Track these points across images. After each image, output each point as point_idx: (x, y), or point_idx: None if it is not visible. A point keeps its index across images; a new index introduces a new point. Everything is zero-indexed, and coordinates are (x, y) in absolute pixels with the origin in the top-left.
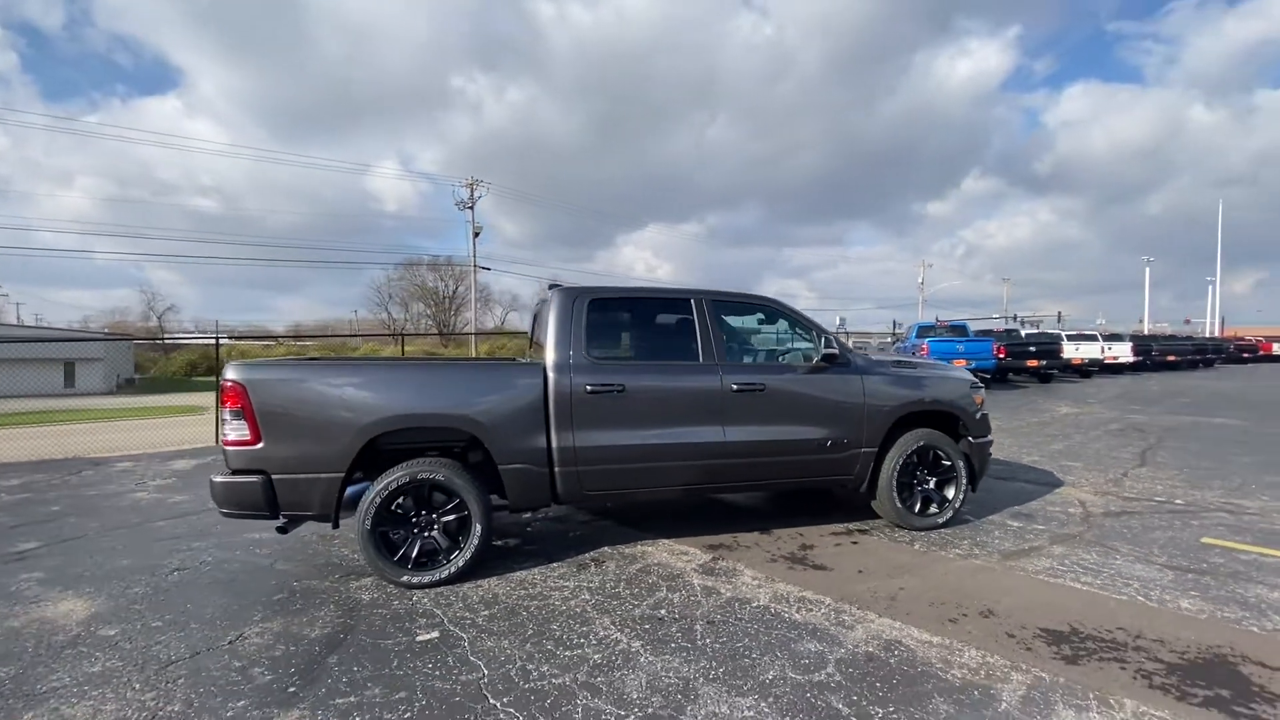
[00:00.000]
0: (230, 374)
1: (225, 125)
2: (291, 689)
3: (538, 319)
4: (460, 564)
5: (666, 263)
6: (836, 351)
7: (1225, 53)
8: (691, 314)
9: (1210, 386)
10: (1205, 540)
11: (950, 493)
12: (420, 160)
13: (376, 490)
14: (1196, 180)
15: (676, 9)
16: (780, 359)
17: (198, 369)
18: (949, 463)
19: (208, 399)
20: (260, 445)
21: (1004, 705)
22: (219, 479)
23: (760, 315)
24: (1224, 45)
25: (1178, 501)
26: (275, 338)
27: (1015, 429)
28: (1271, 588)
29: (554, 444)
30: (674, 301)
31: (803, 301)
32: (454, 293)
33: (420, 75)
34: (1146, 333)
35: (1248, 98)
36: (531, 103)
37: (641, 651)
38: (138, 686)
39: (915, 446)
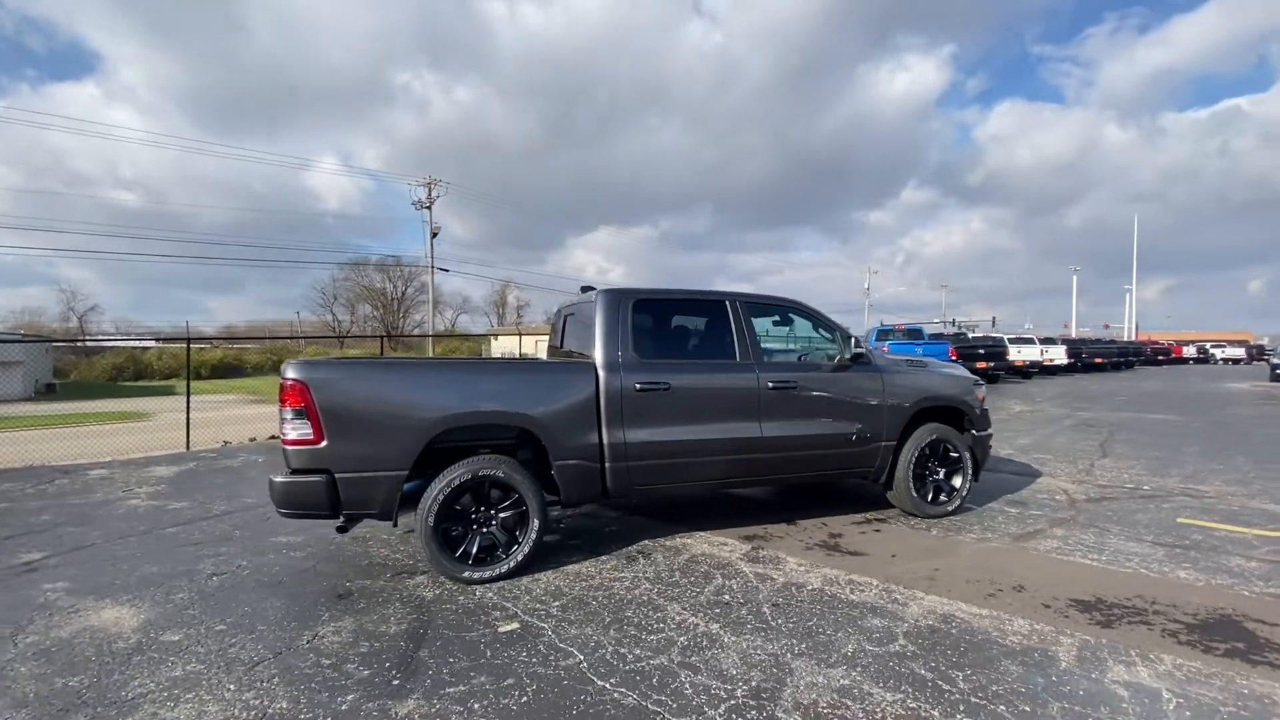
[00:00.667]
0: (292, 373)
1: (149, 114)
2: (395, 681)
3: (569, 322)
4: (519, 558)
5: (618, 265)
6: (864, 351)
7: (1135, 77)
8: (727, 315)
9: (1137, 386)
10: (1181, 520)
11: (957, 482)
12: (364, 158)
13: (439, 488)
14: (1111, 195)
15: (628, 13)
16: (804, 358)
17: (124, 373)
18: (956, 455)
19: (144, 404)
20: (323, 444)
21: (1064, 664)
22: (280, 479)
23: (786, 316)
24: (1134, 70)
25: (1145, 488)
26: (211, 340)
27: None
28: (1248, 559)
29: (605, 440)
30: (710, 303)
31: None
32: (403, 294)
33: (364, 70)
34: (1074, 337)
35: (1155, 120)
36: (480, 102)
37: (722, 633)
38: (233, 688)
39: (928, 440)
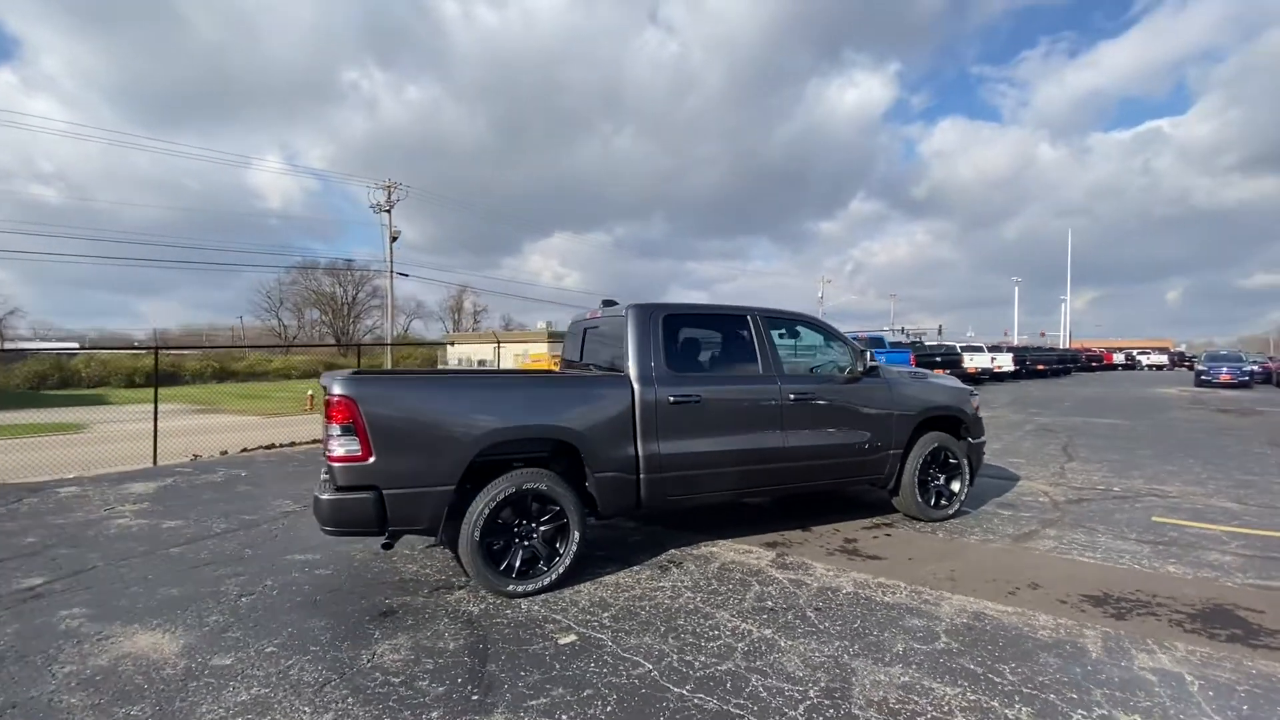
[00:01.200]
0: (339, 388)
1: (72, 106)
2: (474, 696)
3: (589, 335)
4: (561, 570)
5: (575, 271)
6: (877, 364)
7: (1066, 99)
8: (749, 328)
9: (1079, 392)
10: (1155, 519)
11: (956, 487)
12: (309, 157)
13: (484, 502)
14: (1044, 209)
15: (584, 19)
16: (816, 370)
17: (47, 381)
18: (955, 461)
19: (75, 414)
20: (372, 460)
21: (1094, 655)
22: (327, 496)
23: (799, 329)
24: (1065, 92)
25: (1116, 489)
26: (147, 347)
27: None
28: (1222, 553)
29: (640, 452)
30: (733, 317)
31: None
32: (354, 299)
33: (308, 66)
34: (1016, 345)
35: (1084, 139)
36: (432, 103)
37: (777, 638)
38: (308, 710)
39: (931, 448)
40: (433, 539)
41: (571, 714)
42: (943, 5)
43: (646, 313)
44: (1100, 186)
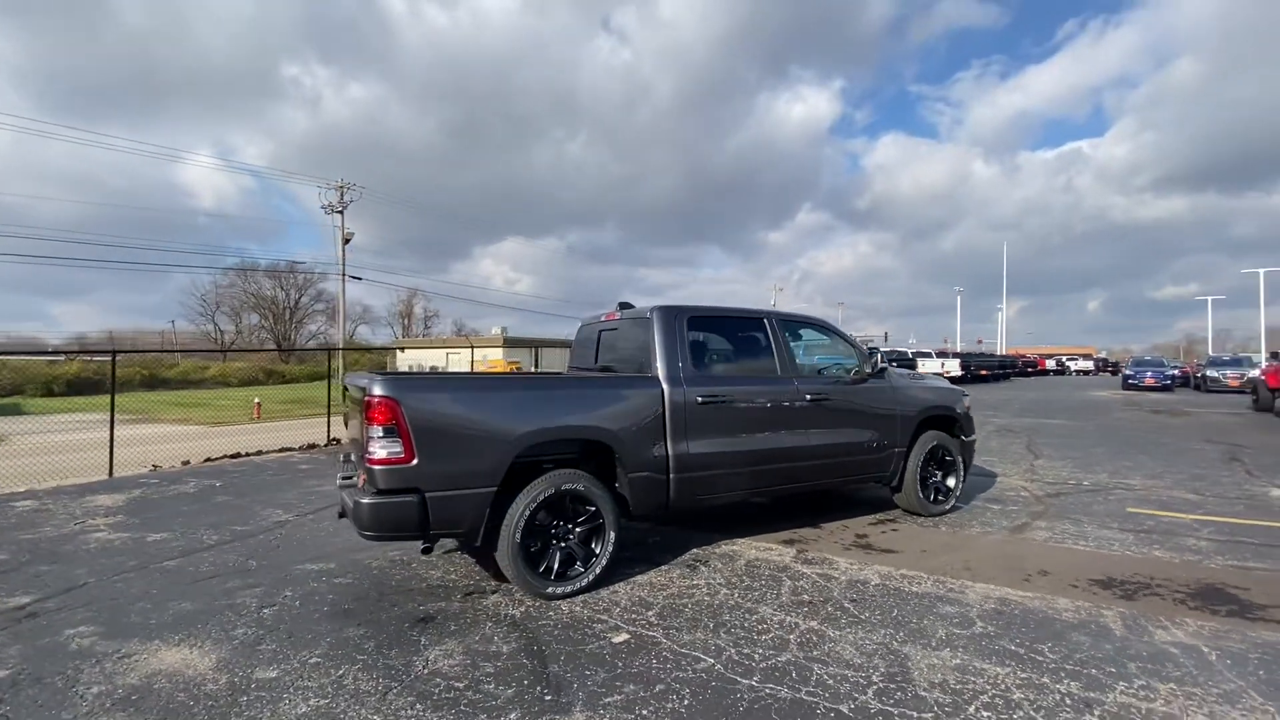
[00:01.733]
0: (381, 389)
1: None
2: (547, 696)
3: (604, 337)
4: (598, 571)
5: (527, 276)
6: (886, 366)
7: (997, 119)
8: (766, 330)
9: (1024, 395)
10: (1130, 510)
11: (951, 483)
12: (245, 154)
13: (524, 503)
14: (978, 223)
15: (536, 23)
16: (825, 371)
17: None
18: (951, 459)
19: None
20: (415, 462)
21: (1118, 631)
22: (368, 500)
23: (810, 332)
24: (996, 113)
25: (1086, 483)
26: (65, 353)
27: None
28: (1198, 539)
29: (671, 452)
30: (751, 320)
31: None
32: (297, 303)
33: (245, 58)
34: (959, 351)
35: (1013, 157)
36: (378, 103)
37: (824, 629)
38: (377, 719)
39: (930, 446)
40: (457, 544)
41: (650, 709)
42: (883, 25)
43: (672, 314)
44: (1028, 202)
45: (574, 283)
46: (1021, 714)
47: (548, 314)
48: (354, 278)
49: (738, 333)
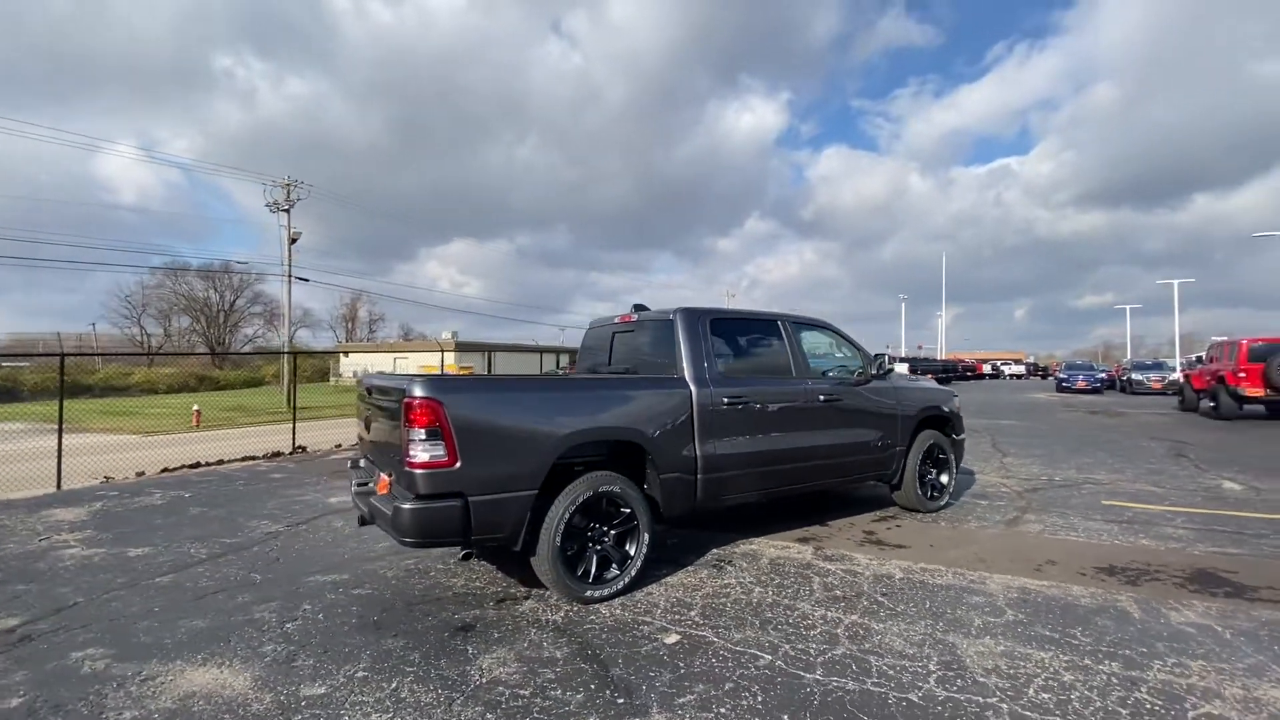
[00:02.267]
0: (422, 390)
1: None
2: (619, 700)
3: (618, 339)
4: (632, 573)
5: (476, 279)
6: (891, 368)
7: (933, 134)
8: (781, 332)
9: (972, 398)
10: (1105, 502)
11: (945, 480)
12: (172, 147)
13: (564, 506)
14: (915, 234)
15: (484, 23)
16: (829, 373)
17: None
18: (945, 457)
19: None
20: (458, 466)
21: (1136, 615)
22: (410, 506)
23: (815, 334)
24: (932, 129)
25: (1058, 479)
26: (49, 354)
27: None
28: (1175, 528)
29: (699, 453)
30: (766, 321)
31: None
32: (233, 305)
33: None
34: (905, 356)
35: (948, 172)
36: (318, 99)
37: (868, 622)
38: None
39: (927, 444)
40: (466, 551)
41: (726, 707)
42: (827, 40)
43: (695, 316)
44: (962, 215)
45: (525, 286)
46: (1077, 694)
47: (499, 317)
48: (300, 279)
49: (755, 335)
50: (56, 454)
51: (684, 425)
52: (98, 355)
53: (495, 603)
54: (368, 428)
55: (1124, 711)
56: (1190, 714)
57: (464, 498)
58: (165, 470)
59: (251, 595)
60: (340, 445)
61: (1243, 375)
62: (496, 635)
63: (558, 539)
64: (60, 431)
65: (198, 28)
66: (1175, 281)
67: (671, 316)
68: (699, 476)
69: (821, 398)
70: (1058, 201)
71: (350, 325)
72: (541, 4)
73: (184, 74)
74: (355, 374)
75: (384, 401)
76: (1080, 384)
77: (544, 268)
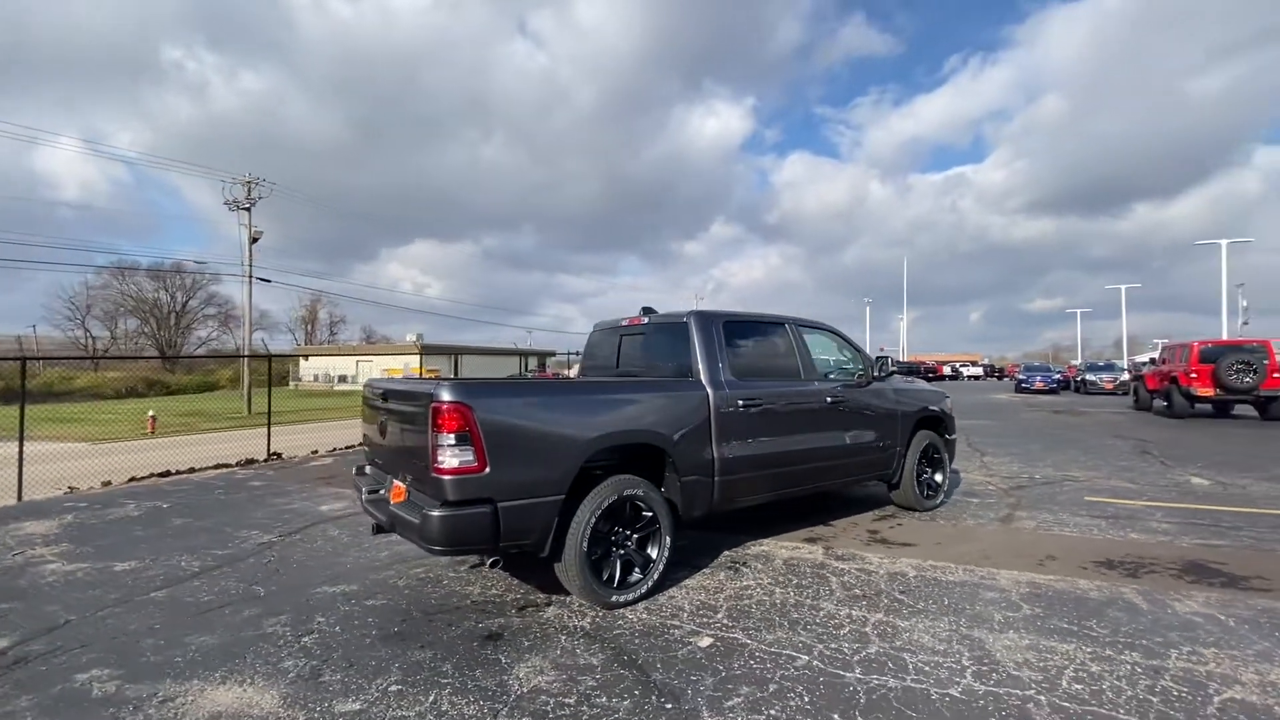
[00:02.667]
0: (450, 394)
1: None
2: (668, 705)
3: (626, 342)
4: (654, 578)
5: (440, 280)
6: (893, 370)
7: (892, 142)
8: (789, 335)
9: None
10: (1088, 499)
11: (939, 479)
12: (117, 140)
13: (590, 511)
14: (875, 239)
15: (447, 21)
16: (833, 375)
17: None
18: (939, 457)
19: None
20: (487, 471)
21: (1143, 606)
22: (439, 513)
23: (820, 336)
24: (890, 137)
25: (1038, 477)
26: (12, 358)
27: None
28: (1159, 522)
29: (716, 455)
30: (775, 324)
31: (578, 324)
32: (184, 306)
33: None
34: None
35: (906, 179)
36: (275, 95)
37: (893, 620)
38: None
39: (924, 445)
40: (494, 559)
41: (775, 708)
42: (790, 49)
43: (708, 319)
44: (919, 221)
45: (490, 287)
46: (1108, 683)
47: (465, 319)
48: (262, 279)
49: (765, 337)
50: (18, 463)
51: (703, 427)
52: (63, 359)
53: (517, 610)
54: (381, 433)
55: (1154, 699)
56: (1216, 699)
57: (493, 504)
58: (134, 479)
59: (258, 609)
60: (317, 451)
61: (1194, 376)
62: (527, 643)
63: (584, 544)
64: (21, 439)
65: (143, 13)
66: (1123, 287)
67: (686, 319)
68: (716, 479)
69: (828, 399)
70: (1010, 208)
71: (310, 328)
72: (507, 2)
73: (131, 66)
74: (317, 377)
75: (404, 406)
76: (1038, 384)
77: (510, 269)
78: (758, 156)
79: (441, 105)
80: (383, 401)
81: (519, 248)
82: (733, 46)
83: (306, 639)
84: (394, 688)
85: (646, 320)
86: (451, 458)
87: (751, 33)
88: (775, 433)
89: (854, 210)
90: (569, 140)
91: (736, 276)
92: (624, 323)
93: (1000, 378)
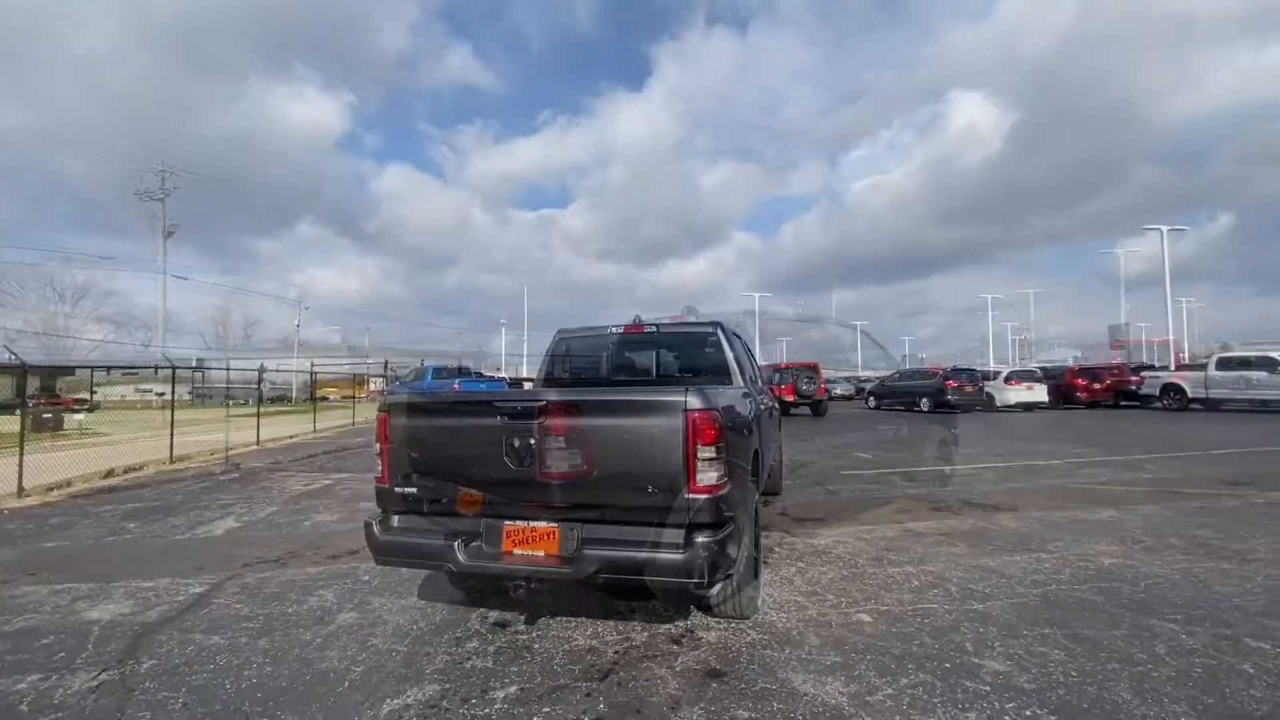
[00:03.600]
0: (699, 400)
1: None
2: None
3: (624, 348)
4: (763, 579)
5: None
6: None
7: (493, 174)
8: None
9: None
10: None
11: None
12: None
13: (751, 516)
14: (477, 264)
15: None
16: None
17: None
18: None
19: None
20: (729, 487)
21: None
22: (704, 539)
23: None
24: (492, 169)
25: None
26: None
27: None
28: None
29: (762, 453)
30: (735, 335)
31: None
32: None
33: None
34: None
35: (504, 212)
36: None
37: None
38: None
39: None
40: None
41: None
42: (395, 56)
43: (727, 328)
44: (516, 252)
45: None
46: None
47: None
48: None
49: (748, 348)
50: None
51: (754, 427)
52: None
53: (642, 627)
54: (519, 460)
55: None
56: None
57: (736, 523)
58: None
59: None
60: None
61: (783, 388)
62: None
63: (755, 550)
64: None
65: None
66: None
67: (713, 328)
68: (759, 476)
69: (762, 407)
70: (587, 250)
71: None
72: None
73: None
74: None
75: (623, 420)
76: None
77: None
78: (356, 160)
79: None
80: (569, 415)
81: None
82: (324, 32)
83: (352, 668)
84: (474, 709)
85: (658, 328)
86: (712, 473)
87: (351, 25)
88: (767, 437)
89: (458, 233)
90: (72, 74)
91: (326, 284)
92: (618, 330)
93: None
